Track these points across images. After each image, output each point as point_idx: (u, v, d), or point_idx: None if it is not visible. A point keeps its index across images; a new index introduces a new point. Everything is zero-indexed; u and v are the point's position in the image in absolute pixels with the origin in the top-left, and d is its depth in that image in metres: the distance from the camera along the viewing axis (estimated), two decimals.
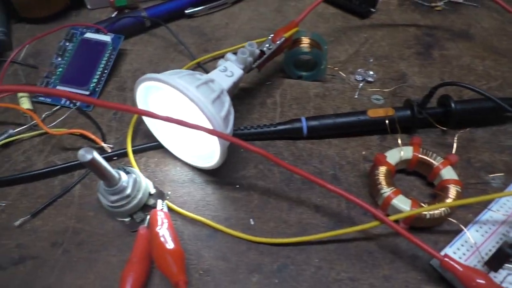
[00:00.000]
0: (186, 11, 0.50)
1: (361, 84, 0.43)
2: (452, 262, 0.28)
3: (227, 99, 0.33)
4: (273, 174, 0.36)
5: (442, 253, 0.29)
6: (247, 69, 0.37)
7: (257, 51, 0.38)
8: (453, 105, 0.37)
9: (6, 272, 0.30)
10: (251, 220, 0.33)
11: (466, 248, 0.30)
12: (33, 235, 0.32)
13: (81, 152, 0.26)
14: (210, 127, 0.30)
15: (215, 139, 0.31)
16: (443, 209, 0.31)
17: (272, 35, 0.40)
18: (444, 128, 0.38)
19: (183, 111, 0.32)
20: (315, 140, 0.38)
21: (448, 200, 0.32)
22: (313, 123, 0.38)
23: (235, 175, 0.36)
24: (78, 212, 0.34)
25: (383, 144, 0.38)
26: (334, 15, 0.52)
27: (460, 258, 0.30)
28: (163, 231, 0.29)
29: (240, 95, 0.42)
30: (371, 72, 0.44)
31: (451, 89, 0.41)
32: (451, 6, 0.53)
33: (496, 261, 0.27)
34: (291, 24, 0.41)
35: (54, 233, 0.32)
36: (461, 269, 0.27)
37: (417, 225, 0.32)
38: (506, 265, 0.28)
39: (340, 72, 0.44)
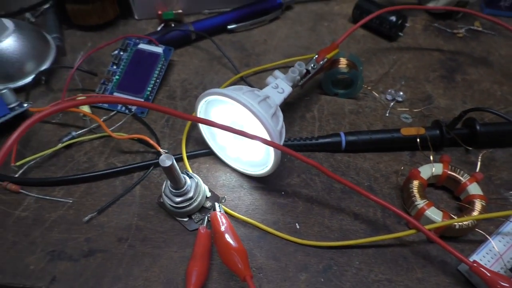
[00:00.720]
0: (228, 27, 0.53)
1: (392, 103, 0.47)
2: (480, 268, 0.31)
3: (280, 114, 0.36)
4: (315, 183, 0.39)
5: (470, 259, 0.33)
6: (294, 86, 0.41)
7: (304, 70, 0.41)
8: (478, 127, 0.41)
9: (79, 263, 0.34)
10: (297, 224, 0.37)
11: (491, 256, 0.34)
12: (100, 230, 0.36)
13: (162, 157, 0.30)
14: (268, 138, 0.33)
15: (271, 149, 0.34)
16: (470, 220, 0.35)
17: (316, 55, 0.43)
18: (469, 148, 0.42)
19: (242, 123, 0.35)
20: (352, 154, 0.42)
21: (475, 213, 0.35)
22: (351, 138, 0.41)
23: (281, 183, 0.39)
24: (140, 211, 0.37)
25: (413, 160, 0.42)
26: (364, 37, 0.56)
27: (485, 264, 0.34)
28: (227, 231, 0.32)
29: (282, 109, 0.46)
30: (401, 93, 0.48)
31: (473, 112, 0.45)
32: (471, 33, 0.57)
33: None
34: (332, 46, 0.45)
35: (119, 229, 0.36)
36: (488, 274, 0.31)
37: (446, 234, 0.36)
38: None
39: (373, 92, 0.48)
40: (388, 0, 0.60)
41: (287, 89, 0.39)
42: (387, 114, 0.46)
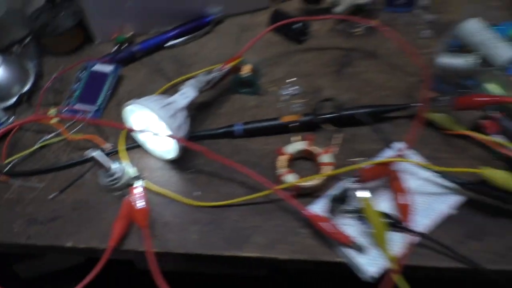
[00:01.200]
0: (166, 45, 0.68)
1: (286, 97, 0.60)
2: (307, 211, 0.45)
3: (182, 114, 0.51)
4: (214, 163, 0.54)
5: (310, 208, 0.47)
6: (200, 91, 0.55)
7: (209, 78, 0.55)
8: (339, 112, 0.54)
9: (46, 226, 0.50)
10: (198, 192, 0.51)
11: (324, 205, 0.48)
12: (61, 204, 0.52)
13: (87, 151, 0.45)
14: (169, 133, 0.48)
15: (173, 141, 0.49)
16: (316, 181, 0.48)
17: (221, 64, 0.57)
18: (335, 128, 0.55)
19: (154, 123, 0.50)
20: (247, 138, 0.56)
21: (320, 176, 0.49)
22: (247, 127, 0.55)
23: (190, 164, 0.54)
24: (89, 190, 0.53)
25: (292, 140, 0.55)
26: (278, 41, 0.69)
27: (317, 211, 0.47)
28: (136, 199, 0.47)
29: (200, 107, 0.60)
30: (296, 87, 0.61)
31: (350, 98, 0.58)
32: (369, 31, 0.69)
33: (332, 210, 0.45)
34: (235, 57, 0.59)
35: (74, 202, 0.52)
36: (311, 213, 0.45)
37: (302, 192, 0.49)
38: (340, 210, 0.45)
39: (274, 88, 0.61)
40: (302, 8, 0.73)
41: (192, 94, 0.53)
42: (282, 106, 0.59)
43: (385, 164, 0.46)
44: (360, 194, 0.44)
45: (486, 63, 0.56)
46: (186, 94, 0.53)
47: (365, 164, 0.45)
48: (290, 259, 0.46)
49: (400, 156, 0.49)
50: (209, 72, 0.55)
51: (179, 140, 0.48)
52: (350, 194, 0.43)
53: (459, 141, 0.55)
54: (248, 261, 0.47)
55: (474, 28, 0.56)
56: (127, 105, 0.50)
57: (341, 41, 0.68)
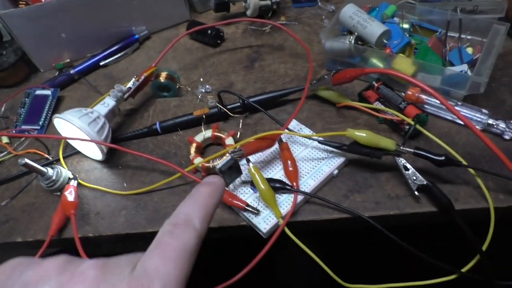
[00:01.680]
0: (100, 64, 0.77)
1: (201, 95, 0.69)
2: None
3: (101, 121, 0.60)
4: (140, 158, 0.62)
5: None
6: (121, 99, 0.64)
7: (125, 88, 0.64)
8: (242, 102, 0.63)
9: (1, 228, 0.59)
10: (124, 184, 0.60)
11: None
12: (12, 209, 0.60)
13: (19, 160, 0.54)
14: (88, 138, 0.57)
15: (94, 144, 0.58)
16: (218, 160, 0.57)
17: (136, 75, 0.67)
18: (242, 115, 0.63)
19: (77, 131, 0.59)
20: (168, 134, 0.65)
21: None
22: (163, 124, 0.64)
23: (119, 161, 0.63)
24: (36, 194, 0.61)
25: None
26: (197, 48, 0.78)
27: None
28: (68, 194, 0.56)
29: (129, 113, 0.69)
30: (207, 86, 0.70)
31: (258, 88, 0.67)
32: (278, 27, 0.78)
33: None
34: (150, 67, 0.68)
35: (23, 206, 0.60)
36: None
37: (212, 172, 0.58)
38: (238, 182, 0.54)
39: (189, 89, 0.70)
40: (218, 16, 0.82)
41: (112, 103, 0.63)
42: (198, 102, 0.68)
43: (266, 138, 0.54)
44: (250, 166, 0.53)
45: (365, 41, 0.65)
46: (106, 103, 0.62)
47: (250, 139, 0.53)
48: None
49: (289, 130, 0.57)
50: (121, 86, 0.64)
51: (98, 142, 0.57)
52: (236, 165, 0.51)
53: (351, 112, 0.64)
54: None
55: (350, 12, 0.65)
56: (54, 119, 0.59)
57: (252, 40, 0.77)
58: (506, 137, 0.56)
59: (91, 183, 0.61)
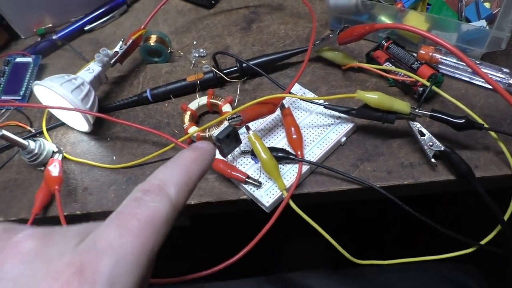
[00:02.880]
0: (85, 28, 0.71)
1: (194, 59, 0.64)
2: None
3: (86, 88, 0.54)
4: (130, 128, 0.58)
5: None
6: (108, 65, 0.59)
7: (111, 53, 0.59)
8: (239, 65, 0.57)
9: None
10: (114, 157, 0.55)
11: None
12: None
13: None
14: (72, 107, 0.52)
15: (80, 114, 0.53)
16: (214, 129, 0.52)
17: (123, 39, 0.61)
18: (239, 80, 0.58)
19: (60, 100, 0.54)
20: (160, 102, 0.60)
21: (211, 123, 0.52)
22: (154, 92, 0.59)
23: (108, 133, 0.58)
24: (17, 169, 0.57)
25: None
26: (189, 10, 0.72)
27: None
28: (52, 169, 0.51)
29: (118, 80, 0.64)
30: (202, 50, 0.64)
31: (257, 50, 0.61)
32: None
33: (221, 151, 0.48)
34: (139, 29, 0.62)
35: (5, 182, 0.56)
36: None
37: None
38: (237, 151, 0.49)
39: (181, 53, 0.65)
40: None
41: (97, 69, 0.57)
42: (191, 68, 0.63)
43: (267, 103, 0.49)
44: (250, 133, 0.48)
45: None
46: (91, 69, 0.56)
47: (249, 104, 0.48)
48: (200, 202, 0.50)
49: (291, 94, 0.52)
50: (106, 49, 0.58)
51: (83, 111, 0.51)
52: (234, 133, 0.47)
53: (358, 75, 0.59)
54: None
55: None
56: (33, 86, 0.54)
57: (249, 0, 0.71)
58: None
59: (78, 156, 0.56)
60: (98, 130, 0.57)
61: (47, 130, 0.59)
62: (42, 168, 0.55)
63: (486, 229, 0.48)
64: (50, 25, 0.72)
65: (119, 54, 0.60)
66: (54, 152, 0.56)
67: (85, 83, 0.55)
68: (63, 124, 0.60)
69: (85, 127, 0.56)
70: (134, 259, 0.18)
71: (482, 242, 0.48)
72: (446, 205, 0.75)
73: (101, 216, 0.51)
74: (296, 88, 0.55)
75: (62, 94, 0.51)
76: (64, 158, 0.55)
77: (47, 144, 0.55)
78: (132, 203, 0.20)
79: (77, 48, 0.70)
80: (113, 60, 0.59)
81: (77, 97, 0.52)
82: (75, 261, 0.17)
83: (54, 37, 0.70)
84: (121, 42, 0.60)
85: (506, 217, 0.46)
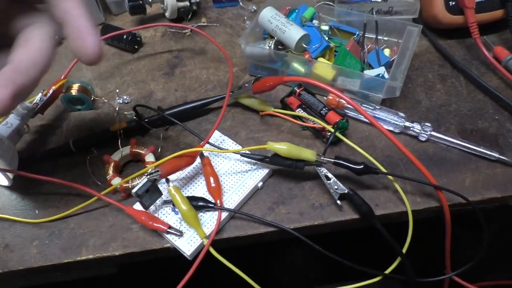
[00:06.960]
0: None
1: (118, 106, 0.65)
2: (127, 210, 0.51)
3: (4, 144, 0.54)
4: (44, 183, 0.58)
5: (134, 206, 0.52)
6: (27, 117, 0.59)
7: (30, 105, 0.59)
8: (161, 113, 0.60)
9: None
10: (36, 211, 0.56)
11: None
12: None
13: None
14: None
15: None
16: (137, 180, 0.54)
17: (44, 90, 0.61)
18: (162, 128, 0.60)
19: None
20: (84, 152, 0.61)
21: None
22: (77, 142, 0.60)
23: (30, 185, 0.58)
24: None
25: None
26: (113, 54, 0.73)
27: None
28: None
29: (39, 130, 0.64)
30: (125, 96, 0.66)
31: (179, 96, 0.64)
32: (198, 28, 0.75)
33: (143, 204, 0.50)
34: (59, 79, 0.63)
35: None
36: (125, 209, 0.50)
37: (131, 193, 0.55)
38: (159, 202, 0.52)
39: (105, 100, 0.66)
40: (134, 20, 0.77)
41: (15, 123, 0.57)
42: (115, 115, 0.64)
43: (185, 156, 0.52)
44: (170, 186, 0.50)
45: (285, 46, 0.64)
46: (9, 123, 0.56)
47: (167, 159, 0.51)
48: (124, 253, 0.52)
49: (210, 144, 0.55)
50: (25, 103, 0.58)
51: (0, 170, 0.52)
52: (154, 187, 0.49)
53: (275, 119, 0.63)
54: (88, 263, 0.52)
55: (269, 15, 0.63)
56: None
57: (172, 44, 0.74)
58: (422, 138, 0.58)
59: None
60: (19, 183, 0.57)
61: None
62: None
63: (392, 257, 0.53)
64: None
65: (39, 106, 0.60)
66: None
67: (3, 139, 0.55)
68: None
69: (4, 182, 0.56)
70: None
71: (387, 272, 0.53)
72: (356, 238, 0.81)
73: (24, 273, 0.52)
74: (216, 135, 0.59)
75: None
76: None
77: None
78: None
79: None
80: (33, 112, 0.59)
81: None
82: None
83: None
84: (40, 94, 0.61)
85: (404, 249, 0.52)
